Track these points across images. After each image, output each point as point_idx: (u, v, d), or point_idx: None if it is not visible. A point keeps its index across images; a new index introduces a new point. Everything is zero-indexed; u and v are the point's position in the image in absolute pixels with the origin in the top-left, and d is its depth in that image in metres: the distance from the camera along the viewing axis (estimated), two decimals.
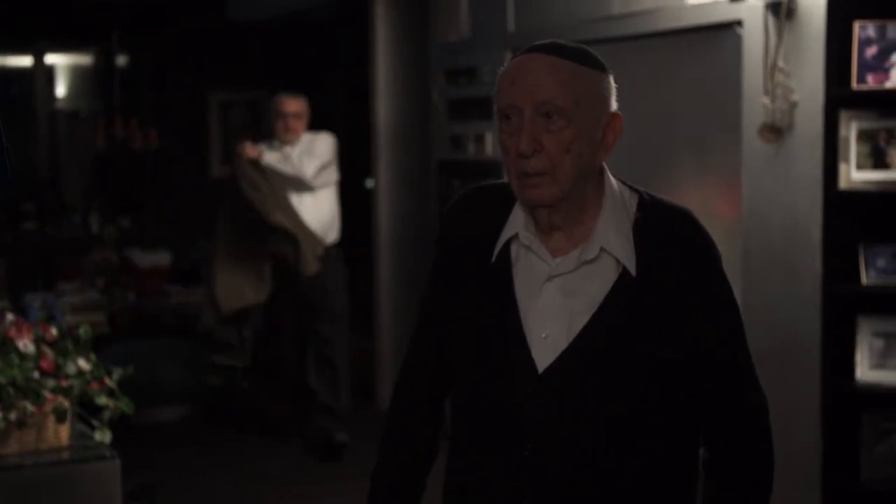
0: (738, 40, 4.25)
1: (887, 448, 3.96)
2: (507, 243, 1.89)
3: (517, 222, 1.88)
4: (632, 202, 1.88)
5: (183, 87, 8.87)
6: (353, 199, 8.55)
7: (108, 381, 3.08)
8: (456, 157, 5.88)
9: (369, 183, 7.24)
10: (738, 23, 4.21)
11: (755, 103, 4.14)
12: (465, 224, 1.96)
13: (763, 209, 4.19)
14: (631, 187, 1.91)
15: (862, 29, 3.89)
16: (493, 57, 5.50)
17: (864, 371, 3.96)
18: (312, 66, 8.99)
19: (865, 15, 3.91)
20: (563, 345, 1.81)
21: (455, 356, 1.93)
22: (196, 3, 8.69)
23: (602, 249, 1.83)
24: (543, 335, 1.82)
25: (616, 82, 1.86)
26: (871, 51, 3.88)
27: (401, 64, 6.77)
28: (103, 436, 3.06)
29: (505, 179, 1.89)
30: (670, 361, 1.83)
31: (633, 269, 1.81)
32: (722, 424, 1.92)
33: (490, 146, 5.60)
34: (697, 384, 1.88)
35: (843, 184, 3.95)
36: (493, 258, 1.88)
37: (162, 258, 7.16)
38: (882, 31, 3.87)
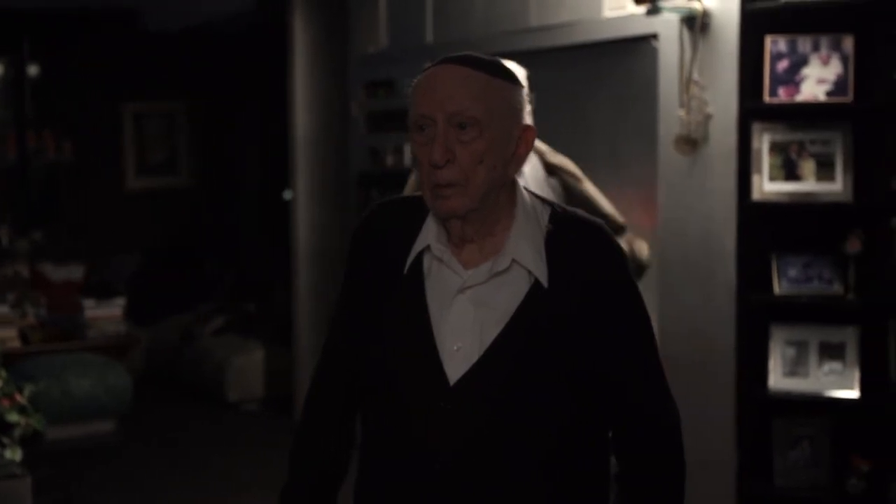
0: (653, 53, 4.30)
1: (800, 454, 4.02)
2: (420, 255, 1.88)
3: (429, 234, 1.87)
4: (543, 214, 1.88)
5: (97, 98, 8.74)
6: (271, 211, 8.52)
7: (18, 398, 3.02)
8: (374, 169, 5.87)
9: (287, 194, 7.20)
10: (654, 36, 4.26)
11: (671, 115, 4.19)
12: (377, 236, 1.94)
13: (679, 220, 4.23)
14: (543, 200, 1.92)
15: (773, 43, 3.97)
16: (412, 69, 5.47)
17: (777, 379, 4.02)
18: (230, 76, 8.92)
19: (777, 30, 3.98)
20: (474, 357, 1.81)
21: (367, 369, 1.91)
22: (110, 12, 8.57)
23: (514, 261, 1.83)
24: (455, 347, 1.82)
25: (533, 94, 1.87)
26: (783, 65, 3.96)
27: (319, 75, 6.73)
28: (14, 454, 2.99)
29: (418, 192, 1.89)
30: (581, 373, 1.84)
31: (544, 281, 1.82)
32: (632, 436, 1.92)
33: (408, 158, 5.60)
34: (608, 396, 1.89)
35: (756, 195, 4.01)
36: (406, 270, 1.87)
37: (75, 271, 7.04)
38: (793, 46, 3.95)
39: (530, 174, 3.57)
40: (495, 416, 1.80)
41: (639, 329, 1.91)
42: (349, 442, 2.04)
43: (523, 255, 1.83)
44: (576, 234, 1.87)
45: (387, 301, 1.88)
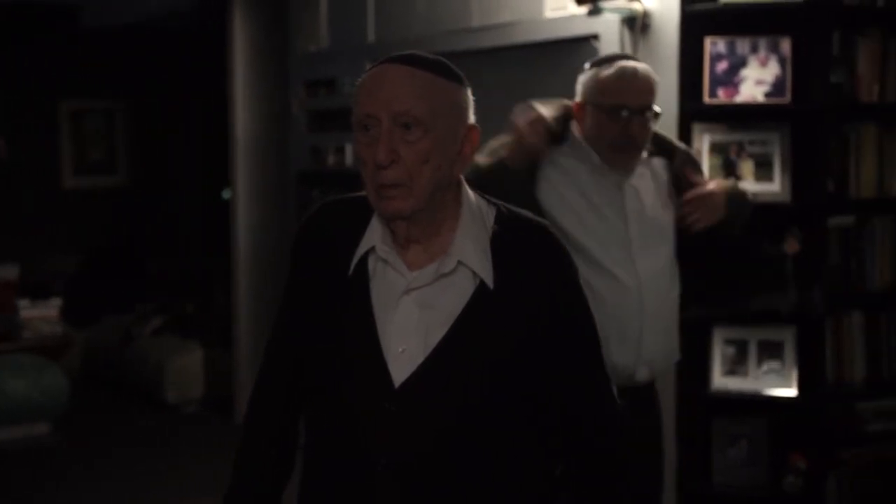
0: (595, 54, 4.31)
1: (738, 452, 4.06)
2: (365, 256, 1.86)
3: (374, 235, 1.86)
4: (489, 215, 1.88)
5: (33, 96, 8.60)
6: (211, 210, 8.44)
7: None
8: (315, 168, 5.84)
9: (226, 194, 7.14)
10: (595, 37, 4.28)
11: None
12: (321, 237, 1.93)
13: None
14: (489, 200, 1.92)
15: (713, 45, 4.00)
16: (353, 68, 5.47)
17: (718, 378, 4.05)
18: (170, 74, 8.82)
19: (716, 31, 4.01)
20: (419, 359, 1.80)
21: (311, 371, 1.90)
22: (48, 8, 8.43)
23: (459, 262, 1.82)
24: (400, 349, 1.81)
25: (476, 95, 1.86)
26: (722, 66, 3.99)
27: (259, 73, 6.69)
28: None
29: (363, 192, 1.88)
30: (525, 375, 1.84)
31: (490, 282, 1.82)
32: (578, 437, 1.93)
33: (350, 157, 5.57)
34: (553, 397, 1.89)
35: None
36: (350, 271, 1.86)
37: (10, 271, 6.91)
38: (732, 47, 3.98)
39: None
40: (440, 418, 1.80)
41: (583, 330, 1.92)
42: (293, 443, 2.02)
43: (469, 257, 1.82)
44: (521, 235, 1.87)
45: (331, 302, 1.87)
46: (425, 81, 1.78)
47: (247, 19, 6.66)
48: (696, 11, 3.98)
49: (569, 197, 2.92)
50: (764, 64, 3.94)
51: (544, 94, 4.77)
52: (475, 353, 1.80)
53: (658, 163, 3.04)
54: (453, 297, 1.82)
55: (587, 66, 2.96)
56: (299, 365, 1.93)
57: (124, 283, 8.56)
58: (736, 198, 3.07)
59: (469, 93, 1.85)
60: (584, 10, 4.12)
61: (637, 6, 4.06)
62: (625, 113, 2.84)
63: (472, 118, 1.85)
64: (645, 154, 2.97)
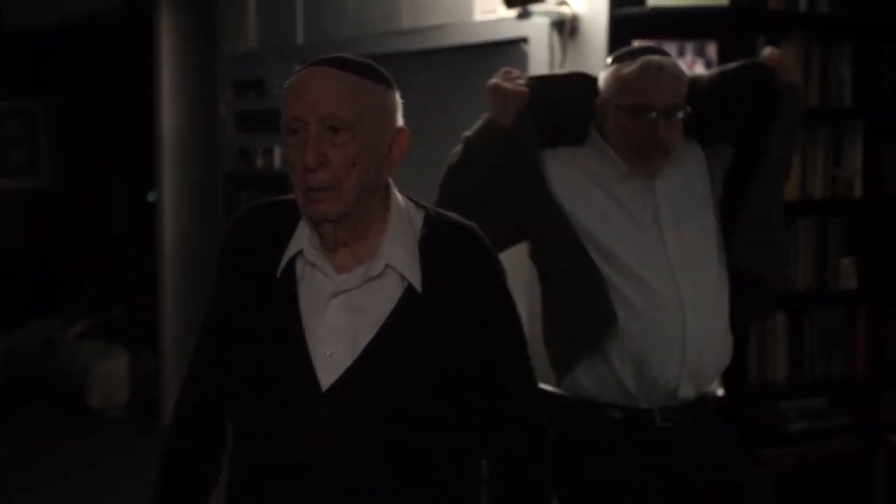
0: (524, 57, 4.33)
1: None
2: (293, 260, 1.85)
3: (302, 238, 1.85)
4: (417, 218, 1.88)
5: None
6: (137, 212, 8.33)
7: None
8: (244, 170, 5.79)
9: (152, 196, 7.05)
10: (525, 40, 4.29)
11: None
12: (249, 240, 1.92)
13: None
14: (417, 203, 1.92)
15: None
16: (282, 69, 5.43)
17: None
18: (94, 74, 8.70)
19: (644, 34, 4.04)
20: (347, 362, 1.79)
21: (238, 375, 1.88)
22: None
23: (387, 266, 1.82)
24: (328, 353, 1.80)
25: (405, 97, 1.86)
26: None
27: (186, 74, 6.61)
28: None
29: (291, 195, 1.86)
30: (454, 378, 1.84)
31: (418, 286, 1.82)
32: (503, 440, 1.94)
33: (279, 159, 5.54)
34: (480, 400, 1.89)
35: None
36: (278, 275, 1.84)
37: None
38: None
39: None
40: (368, 421, 1.79)
41: (510, 333, 1.93)
42: (219, 449, 2.00)
43: (397, 260, 1.82)
44: (449, 238, 1.87)
45: (259, 306, 1.85)
46: (353, 84, 1.77)
47: (173, 19, 6.59)
48: (624, 15, 4.01)
49: (594, 195, 2.67)
50: (691, 67, 3.98)
51: (474, 97, 4.78)
52: (403, 355, 1.80)
53: (688, 151, 2.74)
54: (381, 301, 1.82)
55: (608, 60, 2.70)
56: (226, 369, 1.91)
57: (48, 286, 8.42)
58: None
59: (397, 95, 1.85)
60: (513, 13, 4.14)
61: (566, 10, 4.08)
62: (652, 115, 2.56)
63: (400, 121, 1.85)
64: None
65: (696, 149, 2.76)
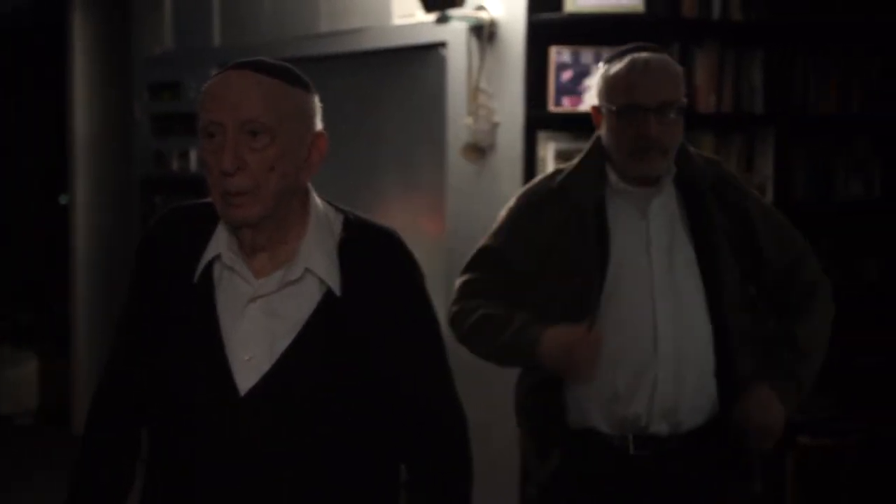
0: (442, 62, 4.35)
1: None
2: (210, 264, 1.83)
3: (220, 242, 1.83)
4: (337, 222, 1.88)
5: None
6: (48, 216, 8.17)
7: None
8: (160, 173, 5.72)
9: (64, 199, 6.93)
10: (443, 44, 4.30)
11: (459, 123, 4.23)
12: (165, 244, 1.89)
13: (466, 227, 4.28)
14: (336, 207, 1.91)
15: (558, 54, 4.06)
16: (199, 71, 5.38)
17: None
18: (2, 74, 8.51)
19: (561, 41, 4.08)
20: (265, 367, 1.78)
21: (156, 380, 1.85)
22: None
23: (306, 270, 1.81)
24: (246, 357, 1.79)
25: (324, 101, 1.85)
26: (567, 75, 4.06)
27: (101, 75, 6.51)
28: None
29: (208, 199, 1.84)
30: (372, 381, 1.84)
31: (337, 290, 1.81)
32: (421, 443, 1.94)
33: (194, 162, 5.48)
34: (398, 403, 1.89)
35: None
36: (196, 279, 1.82)
37: None
38: (576, 57, 4.06)
39: None
40: (286, 426, 1.78)
41: (428, 336, 1.93)
42: (134, 454, 1.97)
43: (316, 264, 1.81)
44: (369, 243, 1.87)
45: (176, 311, 1.83)
46: (272, 88, 1.76)
47: (87, 19, 6.48)
48: (542, 21, 4.05)
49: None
50: None
51: (392, 101, 4.79)
52: (321, 360, 1.80)
53: (702, 173, 2.58)
54: (300, 305, 1.81)
55: (601, 63, 2.57)
56: (141, 375, 1.89)
57: None
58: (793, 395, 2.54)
59: (316, 99, 1.85)
60: (431, 17, 4.14)
61: (484, 15, 4.10)
62: (642, 113, 2.41)
63: (319, 125, 1.85)
64: (675, 169, 2.53)
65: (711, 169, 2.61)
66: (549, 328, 2.43)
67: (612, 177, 2.53)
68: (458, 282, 2.68)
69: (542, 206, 2.59)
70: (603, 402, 2.50)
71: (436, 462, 1.95)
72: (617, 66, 2.46)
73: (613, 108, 2.46)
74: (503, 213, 2.69)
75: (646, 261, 2.49)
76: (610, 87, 2.47)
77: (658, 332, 2.46)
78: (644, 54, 2.47)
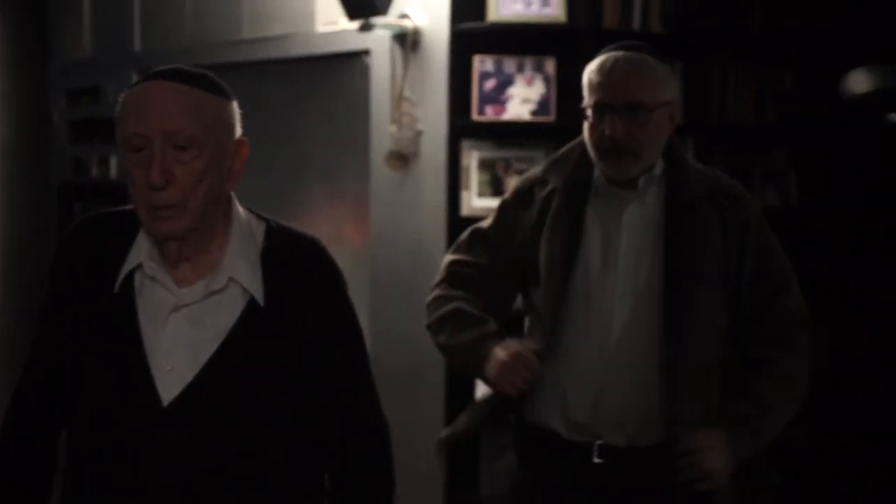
0: (366, 70, 4.35)
1: (504, 463, 4.15)
2: (131, 273, 1.81)
3: (141, 252, 1.81)
4: (259, 231, 1.87)
5: None
6: None
7: None
8: (78, 180, 5.63)
9: None
10: (367, 52, 4.30)
11: (382, 131, 4.24)
12: (83, 253, 1.86)
13: (390, 234, 4.29)
14: (258, 215, 1.90)
15: (481, 63, 4.09)
16: (119, 76, 5.32)
17: (485, 389, 4.12)
18: None
19: (484, 50, 4.11)
20: (188, 377, 1.77)
21: (76, 391, 1.83)
22: None
23: (230, 279, 1.80)
24: (169, 367, 1.77)
25: (247, 108, 1.85)
26: (490, 84, 4.08)
27: (15, 79, 6.39)
28: None
29: (128, 206, 1.82)
30: (296, 390, 1.84)
31: (260, 299, 1.80)
32: (343, 453, 1.94)
33: (115, 168, 5.41)
34: (321, 412, 1.89)
35: (465, 210, 4.12)
36: (116, 289, 1.80)
37: None
38: (499, 66, 4.08)
39: None
40: (210, 436, 1.77)
41: (351, 345, 1.94)
42: (51, 468, 1.94)
43: (239, 274, 1.80)
44: (291, 251, 1.87)
45: (96, 321, 1.81)
46: (196, 99, 1.74)
47: (2, 23, 6.36)
48: (465, 30, 4.07)
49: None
50: (530, 83, 4.06)
51: (316, 108, 4.77)
52: (245, 369, 1.79)
53: (694, 184, 2.47)
54: (224, 314, 1.80)
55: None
56: (58, 386, 1.86)
57: None
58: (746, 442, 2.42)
59: (236, 106, 1.83)
60: (355, 25, 4.14)
61: (408, 23, 4.11)
62: (606, 112, 2.36)
63: (239, 132, 1.83)
64: (658, 170, 2.46)
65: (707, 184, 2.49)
66: (498, 347, 2.40)
67: (597, 173, 2.48)
68: (446, 260, 2.65)
69: (527, 193, 2.58)
70: (557, 407, 2.48)
71: (358, 472, 1.95)
72: (591, 66, 2.42)
73: (585, 107, 2.42)
74: (498, 201, 2.69)
75: (613, 266, 2.42)
76: (585, 86, 2.43)
77: (610, 343, 2.40)
78: (619, 53, 2.40)
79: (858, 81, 4.44)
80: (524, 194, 2.60)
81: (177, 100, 1.72)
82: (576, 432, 2.46)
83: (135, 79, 5.32)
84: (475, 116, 4.11)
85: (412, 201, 4.20)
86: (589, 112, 2.41)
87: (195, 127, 1.72)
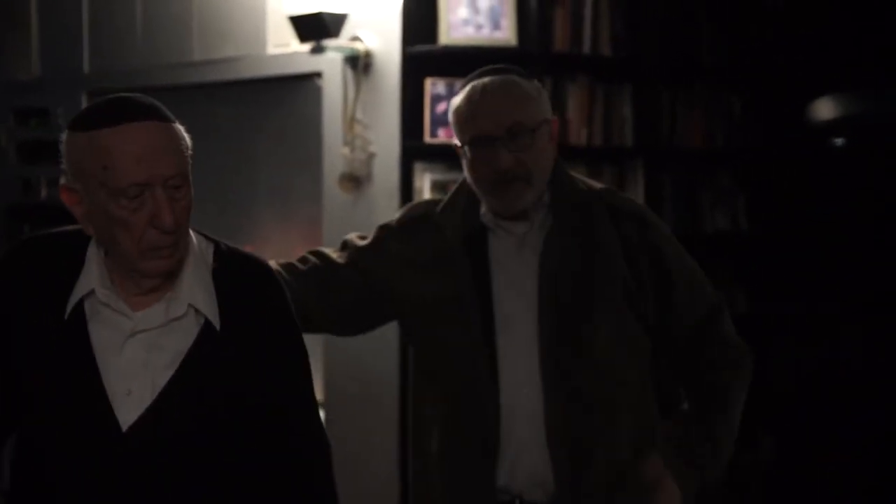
0: (318, 92, 4.35)
1: None
2: (80, 299, 1.79)
3: (91, 278, 1.79)
4: (208, 252, 1.86)
5: None
6: None
7: None
8: (26, 201, 5.57)
9: None
10: (318, 75, 4.31)
11: (335, 153, 4.24)
12: (24, 276, 1.83)
13: None
14: (206, 236, 1.90)
15: (433, 86, 4.10)
16: (67, 98, 5.28)
17: None
18: None
19: (436, 73, 4.12)
20: (147, 401, 1.76)
21: (26, 421, 1.80)
22: None
23: (189, 305, 1.79)
24: (127, 392, 1.76)
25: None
26: (442, 107, 4.10)
27: None
28: None
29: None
30: (248, 412, 1.83)
31: (216, 323, 1.80)
32: (284, 472, 1.94)
33: None
34: (269, 433, 1.89)
35: None
36: (66, 315, 1.78)
37: None
38: (451, 89, 4.10)
39: None
40: (171, 461, 1.77)
41: (300, 364, 1.95)
42: None
43: (198, 300, 1.81)
44: (240, 272, 1.87)
45: (45, 346, 1.78)
46: (173, 134, 1.74)
47: None
48: (417, 53, 4.08)
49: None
50: None
51: (267, 130, 4.76)
52: (201, 392, 1.79)
53: (579, 203, 2.31)
54: (179, 337, 1.80)
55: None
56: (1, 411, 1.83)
57: None
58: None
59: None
60: (307, 47, 4.15)
61: (359, 46, 4.12)
62: (487, 145, 2.20)
63: None
64: (547, 198, 2.28)
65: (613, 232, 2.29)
66: None
67: (484, 210, 2.30)
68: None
69: (412, 230, 2.39)
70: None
71: (300, 493, 1.95)
72: (458, 98, 2.27)
73: (461, 143, 2.26)
74: (379, 227, 2.50)
75: (524, 303, 2.24)
76: (455, 122, 2.27)
77: (505, 391, 2.23)
78: (484, 79, 2.24)
79: (823, 108, 4.52)
80: (408, 229, 2.41)
81: (164, 142, 1.71)
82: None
83: (84, 99, 5.25)
84: (427, 139, 4.12)
85: (365, 223, 4.18)
86: (466, 149, 2.24)
87: (183, 164, 1.73)
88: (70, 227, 1.84)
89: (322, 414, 4.54)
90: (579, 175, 2.42)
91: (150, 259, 1.74)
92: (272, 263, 2.17)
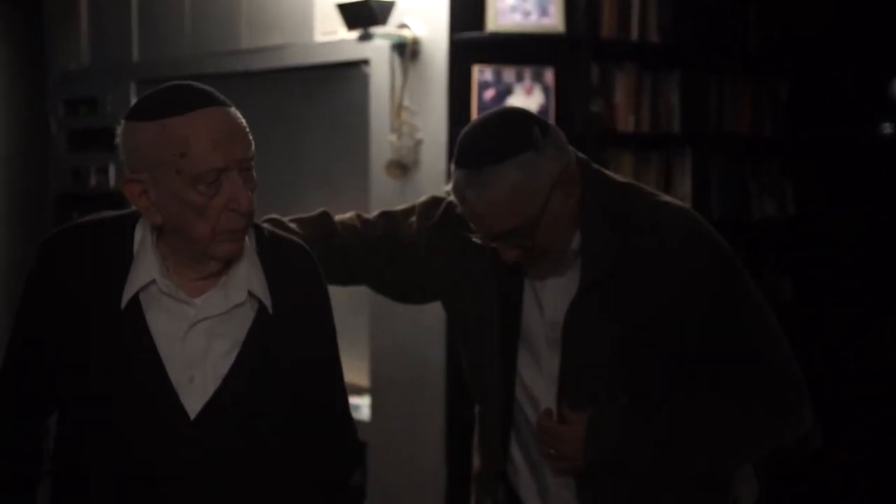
0: (365, 79, 4.36)
1: None
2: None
3: (151, 268, 1.78)
4: (251, 236, 1.87)
5: None
6: None
7: None
8: (77, 190, 5.64)
9: None
10: (366, 62, 4.32)
11: (382, 140, 4.25)
12: (68, 265, 1.82)
13: None
14: None
15: (480, 73, 4.10)
16: (117, 87, 5.34)
17: None
18: None
19: (483, 60, 4.12)
20: (211, 388, 1.78)
21: (83, 412, 1.81)
22: None
23: (248, 292, 1.81)
24: (189, 380, 1.77)
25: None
26: (489, 93, 4.10)
27: (13, 90, 6.40)
28: None
29: (103, 215, 1.84)
30: (301, 395, 1.88)
31: (270, 307, 1.82)
32: (324, 452, 1.98)
33: (113, 178, 5.42)
34: (313, 412, 1.93)
35: None
36: (123, 305, 1.77)
37: None
38: (498, 76, 4.10)
39: None
40: (235, 446, 1.80)
41: (335, 348, 1.97)
42: (32, 482, 1.92)
43: (256, 287, 1.82)
44: (283, 256, 1.90)
45: (100, 337, 1.78)
46: (240, 119, 1.76)
47: (0, 33, 6.38)
48: (464, 39, 4.08)
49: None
50: (529, 92, 4.08)
51: (315, 118, 4.79)
52: (261, 376, 1.81)
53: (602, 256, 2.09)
54: (238, 323, 1.81)
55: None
56: (38, 399, 1.86)
57: None
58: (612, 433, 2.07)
59: None
60: (354, 35, 4.16)
61: (407, 33, 4.12)
62: (492, 241, 2.08)
63: None
64: (576, 243, 2.09)
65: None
66: None
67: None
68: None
69: (457, 227, 2.20)
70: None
71: (333, 477, 2.00)
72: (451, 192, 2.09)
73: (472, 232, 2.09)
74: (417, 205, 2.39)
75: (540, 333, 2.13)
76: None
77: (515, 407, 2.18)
78: (467, 188, 2.02)
79: None
80: (441, 212, 2.31)
81: (236, 126, 1.73)
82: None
83: (133, 88, 5.29)
84: None
85: None
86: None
87: (252, 147, 1.75)
88: (103, 215, 1.84)
89: (368, 400, 4.58)
90: (629, 184, 2.20)
91: (222, 242, 1.74)
92: (349, 214, 2.32)
